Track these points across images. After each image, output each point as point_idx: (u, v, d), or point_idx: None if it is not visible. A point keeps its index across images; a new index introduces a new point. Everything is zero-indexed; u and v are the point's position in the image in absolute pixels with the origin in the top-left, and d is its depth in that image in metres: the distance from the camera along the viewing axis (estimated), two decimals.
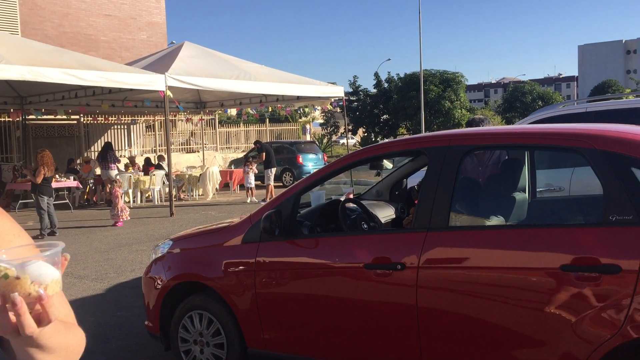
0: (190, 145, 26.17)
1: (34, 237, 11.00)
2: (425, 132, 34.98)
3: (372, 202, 4.96)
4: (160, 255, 4.50)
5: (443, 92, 39.50)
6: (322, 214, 4.29)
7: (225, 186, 18.72)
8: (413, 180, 5.32)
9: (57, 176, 13.68)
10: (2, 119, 17.92)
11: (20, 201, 15.68)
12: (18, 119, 17.56)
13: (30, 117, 17.83)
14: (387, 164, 6.73)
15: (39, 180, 11.18)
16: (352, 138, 45.96)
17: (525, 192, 4.19)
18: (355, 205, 4.48)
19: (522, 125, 5.37)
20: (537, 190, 4.81)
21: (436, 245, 3.27)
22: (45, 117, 18.12)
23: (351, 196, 5.14)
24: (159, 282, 4.36)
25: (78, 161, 18.33)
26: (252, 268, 3.88)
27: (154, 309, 4.40)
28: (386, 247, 3.47)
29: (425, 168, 4.59)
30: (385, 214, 4.85)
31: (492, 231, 3.34)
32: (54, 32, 21.22)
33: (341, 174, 4.26)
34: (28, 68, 11.04)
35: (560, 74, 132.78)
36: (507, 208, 3.76)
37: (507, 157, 4.48)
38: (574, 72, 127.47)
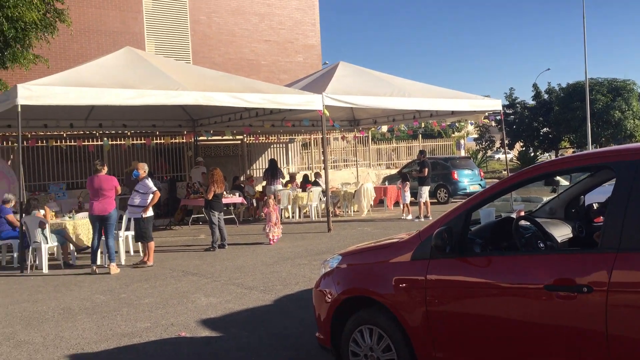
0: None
1: (206, 250, 11.87)
2: (592, 145, 32.68)
3: (546, 220, 4.70)
4: (329, 269, 4.63)
5: (612, 101, 36.68)
6: (494, 232, 4.15)
7: (380, 202, 18.85)
8: (591, 198, 4.96)
9: (225, 193, 14.63)
10: (177, 141, 19.66)
11: (192, 216, 17.05)
12: (190, 140, 19.19)
13: (201, 138, 19.39)
14: (563, 180, 6.35)
15: (210, 196, 12.08)
16: (509, 153, 44.14)
17: None
18: (529, 223, 4.28)
19: None
20: None
21: (628, 267, 3.03)
22: (213, 137, 19.59)
23: (523, 213, 4.91)
24: (328, 296, 4.48)
25: (242, 178, 19.53)
26: (423, 285, 3.85)
27: (324, 321, 4.53)
28: (569, 267, 3.28)
29: (605, 184, 4.23)
30: (562, 232, 4.57)
31: None
32: (220, 59, 22.93)
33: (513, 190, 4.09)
34: (201, 94, 12.04)
35: None
36: None
37: None
38: None
